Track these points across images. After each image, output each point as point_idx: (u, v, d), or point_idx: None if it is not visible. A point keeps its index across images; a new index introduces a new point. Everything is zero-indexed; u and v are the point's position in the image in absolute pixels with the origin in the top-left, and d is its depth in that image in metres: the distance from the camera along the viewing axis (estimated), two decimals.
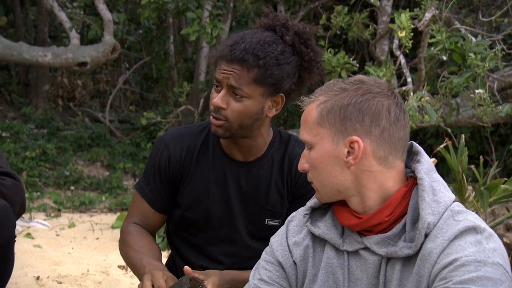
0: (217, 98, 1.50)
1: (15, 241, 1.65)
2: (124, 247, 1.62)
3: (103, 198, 5.01)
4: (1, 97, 7.27)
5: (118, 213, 4.42)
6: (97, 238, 3.86)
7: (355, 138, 1.14)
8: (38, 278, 2.84)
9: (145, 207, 1.64)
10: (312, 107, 1.18)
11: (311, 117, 1.18)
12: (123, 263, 3.11)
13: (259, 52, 1.47)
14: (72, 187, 5.37)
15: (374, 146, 1.15)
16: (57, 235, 3.88)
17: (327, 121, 1.16)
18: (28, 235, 3.74)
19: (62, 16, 5.37)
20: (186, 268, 1.43)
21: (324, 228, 1.22)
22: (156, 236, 4.16)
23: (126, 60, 7.80)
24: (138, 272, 1.54)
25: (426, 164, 1.17)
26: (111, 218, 4.40)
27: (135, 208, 1.66)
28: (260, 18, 1.58)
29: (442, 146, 2.66)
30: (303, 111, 1.21)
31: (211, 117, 1.54)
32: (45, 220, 4.23)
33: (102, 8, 5.20)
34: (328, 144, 1.16)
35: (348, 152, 1.15)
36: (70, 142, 6.07)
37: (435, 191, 1.14)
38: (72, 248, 3.53)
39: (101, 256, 3.35)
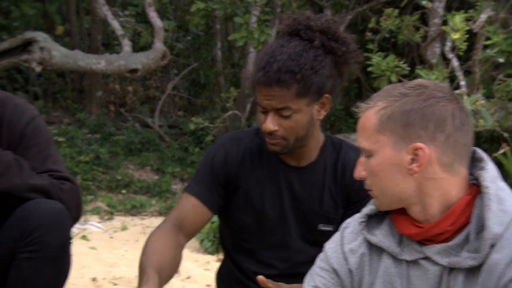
0: (268, 123, 1.49)
1: (71, 243, 1.69)
2: (143, 248, 1.49)
3: (153, 202, 5.12)
4: (57, 103, 7.57)
5: None
6: None
7: (420, 145, 1.11)
8: (94, 279, 2.92)
9: (191, 201, 1.54)
10: (371, 114, 1.16)
11: (369, 123, 1.15)
12: None
13: (293, 68, 1.44)
14: (124, 191, 5.51)
15: (439, 153, 1.11)
16: (111, 237, 4.00)
17: (387, 127, 1.13)
18: (84, 237, 3.87)
19: (115, 24, 5.53)
20: (260, 277, 1.42)
21: (381, 236, 1.20)
22: (206, 240, 4.17)
23: (175, 66, 7.95)
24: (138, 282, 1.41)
25: (491, 172, 1.13)
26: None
27: (178, 206, 1.56)
28: (281, 24, 1.54)
29: (500, 151, 2.58)
30: (359, 117, 1.18)
31: (266, 138, 1.53)
32: (99, 222, 4.36)
33: (153, 16, 5.32)
34: (389, 151, 1.13)
35: (412, 159, 1.12)
36: (121, 147, 6.24)
37: (502, 200, 1.10)
38: (126, 250, 3.62)
39: None
